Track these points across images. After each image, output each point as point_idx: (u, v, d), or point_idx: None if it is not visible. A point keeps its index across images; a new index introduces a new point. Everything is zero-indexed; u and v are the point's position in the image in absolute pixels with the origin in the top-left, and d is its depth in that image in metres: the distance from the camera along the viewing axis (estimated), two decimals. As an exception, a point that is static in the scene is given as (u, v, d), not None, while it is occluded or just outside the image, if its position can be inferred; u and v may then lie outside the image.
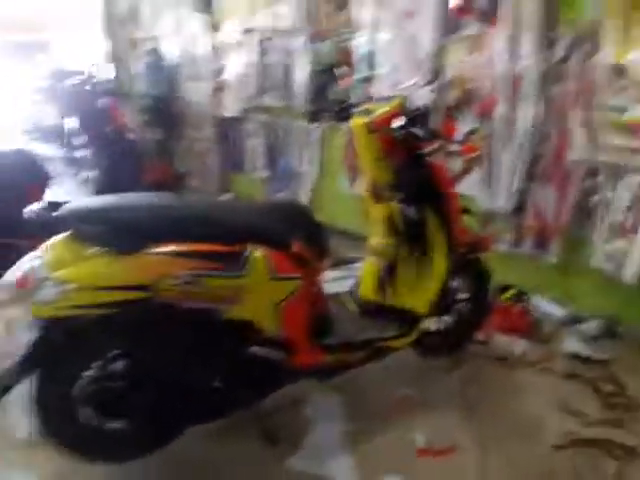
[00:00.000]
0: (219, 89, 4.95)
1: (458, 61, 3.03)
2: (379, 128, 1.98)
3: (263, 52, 4.35)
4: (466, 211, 2.30)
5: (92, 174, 3.60)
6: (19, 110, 6.26)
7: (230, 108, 4.85)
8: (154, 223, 1.54)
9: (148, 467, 1.74)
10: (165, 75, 5.32)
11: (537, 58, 2.65)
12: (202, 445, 1.86)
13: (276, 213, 1.91)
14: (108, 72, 5.40)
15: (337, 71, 3.69)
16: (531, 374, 2.39)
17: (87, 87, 3.44)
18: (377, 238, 2.19)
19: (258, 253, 1.60)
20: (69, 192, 4.04)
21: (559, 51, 2.60)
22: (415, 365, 2.40)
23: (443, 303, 2.24)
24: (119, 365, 1.56)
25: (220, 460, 1.82)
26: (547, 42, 2.63)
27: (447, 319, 2.41)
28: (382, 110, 2.02)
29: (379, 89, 3.44)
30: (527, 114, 2.73)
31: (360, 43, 3.54)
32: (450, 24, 3.04)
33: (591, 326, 2.67)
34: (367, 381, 2.25)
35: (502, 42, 2.76)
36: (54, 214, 1.50)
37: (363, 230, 2.36)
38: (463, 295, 2.43)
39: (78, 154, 4.48)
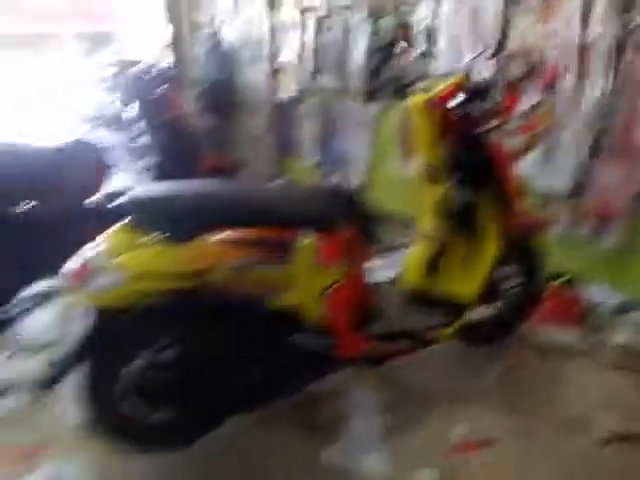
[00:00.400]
0: (276, 72, 4.97)
1: (524, 32, 2.88)
2: (437, 106, 1.93)
3: (320, 31, 4.31)
4: (522, 194, 2.20)
5: (151, 161, 3.72)
6: (84, 99, 6.54)
7: (287, 91, 4.85)
8: (207, 211, 1.58)
9: (191, 456, 1.78)
10: (223, 59, 5.38)
11: (609, 26, 2.48)
12: (242, 434, 1.89)
13: (325, 198, 1.92)
14: (170, 59, 5.54)
15: (396, 47, 3.60)
16: (579, 365, 2.31)
17: (149, 74, 3.54)
18: (428, 222, 2.15)
19: (306, 240, 1.61)
20: (129, 180, 4.21)
21: (633, 19, 2.41)
22: (459, 355, 2.37)
23: (492, 290, 2.19)
24: (168, 354, 1.61)
25: (258, 449, 1.85)
26: (621, 9, 2.45)
27: (495, 307, 2.34)
28: (442, 87, 1.96)
29: (440, 65, 3.34)
30: (596, 86, 2.58)
31: (421, 17, 3.43)
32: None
33: (644, 316, 2.53)
34: (410, 372, 2.23)
35: (572, 9, 2.60)
36: (113, 203, 1.56)
37: (416, 215, 2.32)
38: (514, 281, 2.35)
39: (138, 142, 4.64)
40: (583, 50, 2.60)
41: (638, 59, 2.45)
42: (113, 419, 1.62)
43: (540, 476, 1.74)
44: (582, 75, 2.63)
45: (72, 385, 1.58)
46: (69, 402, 1.90)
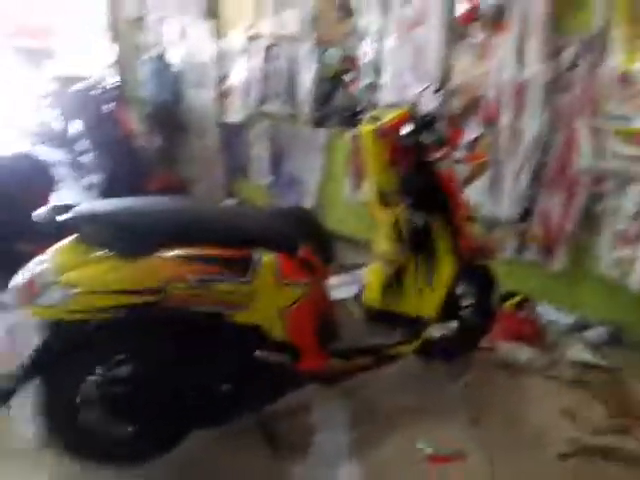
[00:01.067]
0: (224, 95, 4.97)
1: (464, 69, 3.04)
2: (388, 134, 1.98)
3: (268, 58, 4.37)
4: (471, 218, 2.29)
5: (96, 179, 3.60)
6: (25, 115, 6.29)
7: (234, 114, 4.86)
8: (162, 227, 1.54)
9: (153, 471, 1.72)
10: (170, 81, 5.34)
11: (543, 66, 2.66)
12: (206, 450, 1.84)
13: (283, 218, 1.92)
14: (114, 78, 5.43)
15: (343, 77, 3.69)
16: (536, 381, 2.38)
17: (93, 92, 3.44)
18: (383, 244, 2.18)
19: (266, 258, 1.60)
20: (74, 196, 4.05)
21: (566, 59, 2.60)
22: (420, 372, 2.38)
23: (449, 309, 2.24)
24: (124, 369, 1.55)
25: (223, 466, 1.81)
26: (554, 50, 2.63)
27: (452, 325, 2.39)
28: (391, 116, 2.01)
29: (385, 96, 3.45)
30: (533, 122, 2.73)
31: (366, 50, 3.55)
32: (456, 32, 3.04)
33: (597, 333, 2.67)
34: (373, 388, 2.23)
35: (508, 49, 2.77)
36: (61, 217, 1.49)
37: (367, 236, 2.36)
38: (469, 301, 2.42)
39: (82, 159, 4.50)
40: (519, 88, 2.76)
41: (569, 98, 2.63)
42: (71, 433, 1.56)
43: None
44: (520, 111, 2.79)
45: (25, 402, 1.51)
46: (22, 419, 1.79)
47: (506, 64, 2.79)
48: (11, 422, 1.87)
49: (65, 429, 1.54)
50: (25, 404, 1.50)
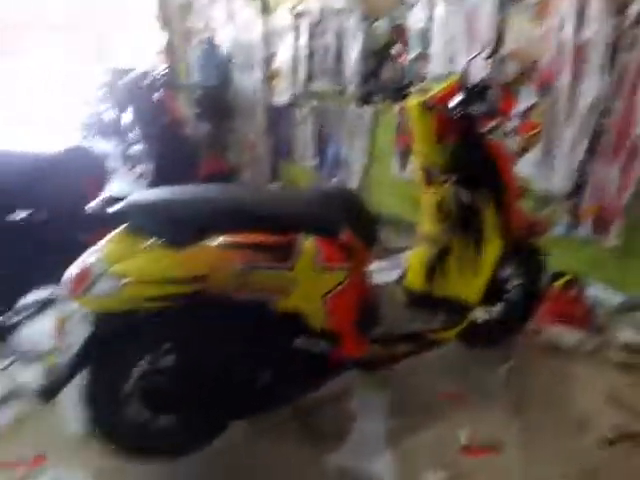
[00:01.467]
0: (271, 76, 4.97)
1: (519, 32, 2.89)
2: (435, 107, 1.92)
3: (314, 35, 4.32)
4: (523, 193, 2.20)
5: (146, 168, 3.71)
6: (78, 109, 6.55)
7: (281, 95, 4.86)
8: (207, 215, 1.56)
9: (194, 463, 1.76)
10: (218, 65, 5.39)
11: (605, 24, 2.49)
12: (246, 440, 1.87)
13: (325, 201, 1.90)
14: (164, 65, 5.54)
15: (392, 50, 3.60)
16: (584, 365, 2.31)
17: (143, 81, 3.53)
18: (428, 224, 2.14)
19: (307, 244, 1.60)
20: (125, 187, 4.19)
21: (629, 16, 2.43)
22: (463, 357, 2.35)
23: (494, 292, 2.18)
24: (169, 359, 1.60)
25: (264, 454, 1.84)
26: (616, 7, 2.46)
27: (497, 309, 2.34)
28: (439, 88, 1.94)
29: (435, 67, 3.36)
30: (592, 86, 2.59)
31: (415, 19, 3.44)
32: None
33: (647, 314, 2.54)
34: (413, 374, 2.22)
35: (568, 7, 2.61)
36: (112, 208, 1.54)
37: (414, 217, 2.32)
38: (515, 282, 2.35)
39: (133, 149, 4.64)
40: (578, 50, 2.61)
41: (632, 59, 2.46)
42: (116, 425, 1.61)
43: (547, 477, 1.73)
44: (577, 75, 2.64)
45: (73, 394, 1.55)
46: (69, 411, 1.89)
47: (565, 24, 2.63)
48: (60, 413, 1.94)
49: (111, 420, 1.59)
50: (73, 395, 1.54)
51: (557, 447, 1.85)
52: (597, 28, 2.52)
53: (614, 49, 2.50)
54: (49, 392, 1.50)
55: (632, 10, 2.41)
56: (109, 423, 1.60)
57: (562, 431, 1.93)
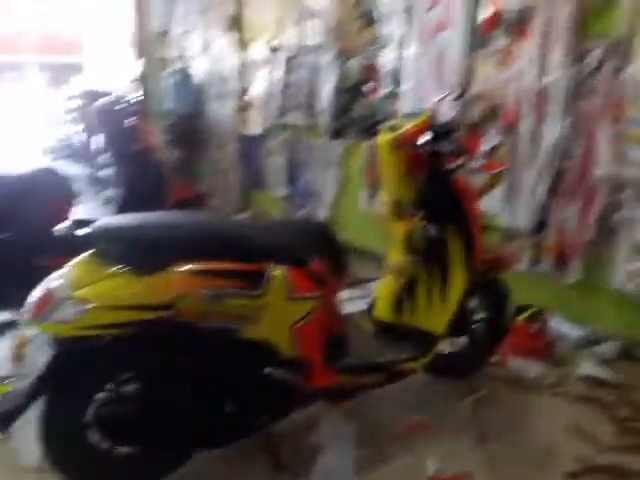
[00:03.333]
0: (244, 107, 5.04)
1: (485, 76, 3.02)
2: (405, 144, 1.97)
3: (289, 70, 4.41)
4: (488, 228, 2.26)
5: (115, 192, 3.68)
6: (46, 130, 6.47)
7: (253, 126, 4.92)
8: (174, 242, 1.55)
9: None
10: (191, 94, 5.44)
11: (566, 72, 2.63)
12: (210, 470, 1.82)
13: (294, 231, 1.92)
14: (138, 92, 5.55)
15: (363, 88, 3.70)
16: (546, 398, 2.35)
17: (115, 107, 3.52)
18: (396, 256, 2.17)
19: (277, 273, 1.60)
20: (93, 211, 4.12)
21: (588, 65, 2.57)
22: (429, 388, 2.36)
23: (460, 324, 2.21)
24: (132, 388, 1.56)
25: None
26: (577, 55, 2.61)
27: (463, 341, 2.37)
28: (408, 126, 1.99)
29: (405, 105, 3.45)
30: (553, 128, 2.71)
31: (387, 59, 3.56)
32: (479, 38, 3.04)
33: (608, 348, 2.62)
34: (380, 405, 2.21)
35: (531, 55, 2.75)
36: (79, 233, 1.52)
37: (382, 249, 2.35)
38: (481, 315, 2.40)
39: (102, 173, 4.59)
40: (541, 94, 2.74)
41: (590, 104, 2.59)
42: (74, 455, 1.55)
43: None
44: (540, 118, 2.77)
45: (29, 423, 1.49)
46: (25, 442, 1.81)
47: (528, 70, 2.77)
48: (16, 441, 1.86)
49: (69, 451, 1.54)
50: (30, 423, 1.49)
51: (523, 478, 1.86)
52: (558, 75, 2.65)
53: (574, 95, 2.64)
54: (4, 421, 1.44)
55: (591, 59, 2.55)
56: (67, 453, 1.54)
57: (527, 462, 1.94)
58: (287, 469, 1.85)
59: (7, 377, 2.12)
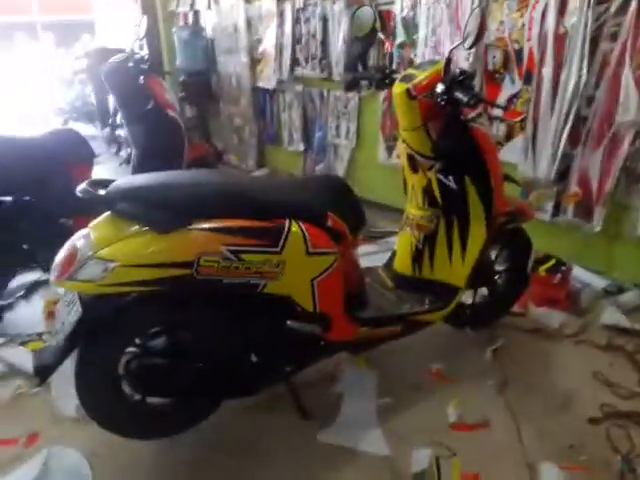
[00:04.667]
0: (256, 61, 4.94)
1: (502, 22, 2.90)
2: (420, 94, 1.91)
3: (299, 21, 4.30)
4: (508, 179, 2.22)
5: (132, 152, 3.67)
6: (60, 90, 6.42)
7: (267, 80, 4.84)
8: (193, 200, 1.56)
9: (186, 441, 1.80)
10: (203, 49, 5.33)
11: (587, 14, 2.51)
12: (237, 418, 1.91)
13: (311, 187, 1.91)
14: (146, 49, 5.45)
15: (377, 37, 3.59)
16: (568, 346, 2.37)
17: (125, 65, 3.47)
18: (414, 209, 2.16)
19: (294, 228, 1.61)
20: (111, 171, 4.16)
21: (610, 6, 2.46)
22: (449, 338, 2.40)
23: (481, 276, 2.21)
24: (160, 341, 1.62)
25: (256, 431, 1.87)
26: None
27: (485, 291, 2.38)
28: (424, 75, 1.94)
29: (419, 54, 3.38)
30: (574, 75, 2.61)
31: (401, 6, 3.44)
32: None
33: (631, 296, 2.61)
34: (401, 355, 2.25)
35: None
36: (100, 193, 1.53)
37: (400, 203, 2.34)
38: (502, 266, 2.39)
39: (118, 133, 4.57)
40: (559, 40, 2.63)
41: (613, 47, 2.49)
42: (109, 405, 1.62)
43: (533, 454, 1.77)
44: (561, 63, 2.67)
45: (66, 375, 1.56)
46: (63, 392, 1.92)
47: (547, 13, 2.66)
48: (53, 393, 1.99)
49: (103, 400, 1.60)
50: (67, 376, 1.56)
51: (543, 425, 1.89)
52: (578, 18, 2.54)
53: (595, 39, 2.53)
54: (41, 373, 1.50)
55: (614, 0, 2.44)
56: (101, 405, 1.61)
57: (548, 409, 1.97)
58: (311, 417, 1.92)
59: (41, 333, 2.24)
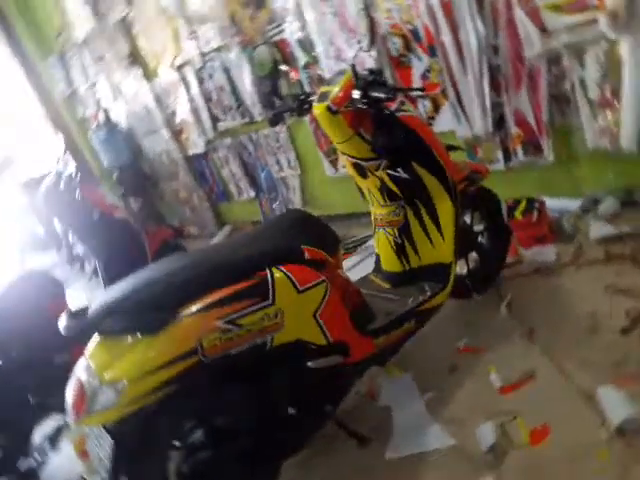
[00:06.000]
0: (178, 132, 4.99)
1: (389, 10, 2.99)
2: (341, 106, 1.96)
3: (203, 80, 4.36)
4: (452, 147, 2.28)
5: (95, 265, 3.64)
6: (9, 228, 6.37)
7: (194, 146, 4.89)
8: (172, 290, 1.54)
9: None
10: (124, 141, 5.37)
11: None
12: (306, 472, 1.87)
13: (276, 229, 1.92)
14: (71, 163, 5.45)
15: (281, 67, 3.66)
16: (572, 273, 2.40)
17: (60, 186, 3.45)
18: (379, 209, 2.20)
19: (278, 274, 1.61)
20: (84, 287, 4.10)
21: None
22: (461, 311, 2.42)
23: (464, 243, 2.25)
24: (199, 434, 1.58)
25: (328, 470, 1.85)
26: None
27: (474, 256, 2.43)
28: (337, 88, 1.99)
29: (326, 66, 3.43)
30: (472, 32, 2.71)
31: (291, 31, 3.51)
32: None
33: (608, 204, 2.65)
34: (425, 347, 2.26)
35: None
36: (82, 321, 1.51)
37: (362, 206, 2.36)
38: (480, 226, 2.44)
39: (75, 252, 4.53)
40: (447, 6, 2.74)
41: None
42: None
43: (586, 385, 1.76)
44: (455, 28, 2.77)
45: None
46: None
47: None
48: None
49: None
50: None
51: (582, 354, 1.90)
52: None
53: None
54: None
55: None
56: None
57: (580, 338, 1.98)
58: (369, 441, 1.90)
59: (84, 478, 2.17)
